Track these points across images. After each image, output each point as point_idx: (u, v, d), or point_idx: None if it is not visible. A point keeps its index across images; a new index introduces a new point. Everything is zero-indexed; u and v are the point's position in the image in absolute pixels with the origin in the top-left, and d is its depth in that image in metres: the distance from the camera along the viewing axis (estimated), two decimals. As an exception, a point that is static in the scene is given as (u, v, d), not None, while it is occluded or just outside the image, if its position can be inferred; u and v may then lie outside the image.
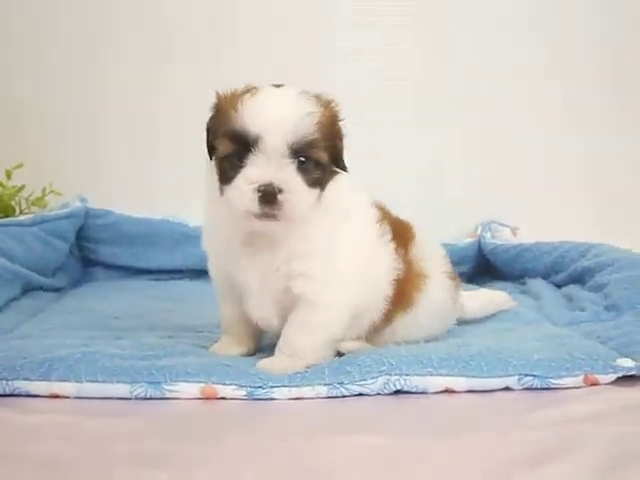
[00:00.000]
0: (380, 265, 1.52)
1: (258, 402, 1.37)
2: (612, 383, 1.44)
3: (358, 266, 1.47)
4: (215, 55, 2.56)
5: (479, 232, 2.53)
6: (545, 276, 2.21)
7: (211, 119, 1.41)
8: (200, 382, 1.38)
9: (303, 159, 1.32)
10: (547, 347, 1.49)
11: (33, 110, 2.55)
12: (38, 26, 2.54)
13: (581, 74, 2.63)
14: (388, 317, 1.56)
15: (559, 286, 2.14)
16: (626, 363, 1.44)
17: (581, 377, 1.42)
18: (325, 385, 1.39)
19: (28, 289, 2.06)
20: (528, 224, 2.52)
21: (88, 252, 2.46)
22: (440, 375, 1.40)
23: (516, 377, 1.41)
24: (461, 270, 2.25)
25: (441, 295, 1.62)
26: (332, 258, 1.44)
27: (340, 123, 1.40)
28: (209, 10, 2.56)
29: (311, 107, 1.34)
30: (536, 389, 1.42)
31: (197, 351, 1.53)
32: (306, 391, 1.38)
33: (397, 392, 1.41)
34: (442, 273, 1.64)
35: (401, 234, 1.58)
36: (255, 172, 1.30)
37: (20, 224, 2.15)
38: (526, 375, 1.41)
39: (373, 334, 1.58)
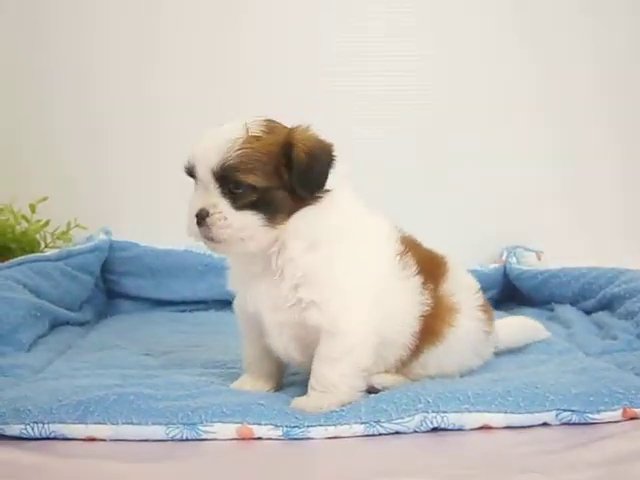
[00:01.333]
0: (402, 298, 1.52)
1: (294, 442, 1.36)
2: (651, 417, 1.42)
3: (369, 287, 1.47)
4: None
5: (504, 257, 2.52)
6: (573, 302, 2.20)
7: None
8: (236, 422, 1.37)
9: (237, 184, 1.38)
10: (584, 381, 1.47)
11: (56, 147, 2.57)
12: (76, 55, 2.57)
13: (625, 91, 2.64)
14: (417, 351, 1.55)
15: (587, 312, 2.13)
16: (665, 397, 1.43)
17: (619, 411, 1.41)
18: (362, 424, 1.38)
19: (55, 324, 2.06)
20: (552, 249, 2.51)
21: (112, 284, 2.46)
22: (477, 412, 1.39)
23: (554, 412, 1.40)
24: (487, 296, 2.23)
25: (473, 329, 1.61)
26: (339, 282, 1.45)
27: (302, 150, 1.40)
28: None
29: (237, 135, 1.39)
30: (574, 424, 1.40)
31: (230, 390, 1.52)
32: (343, 430, 1.37)
33: (434, 429, 1.39)
34: (475, 307, 1.63)
35: (431, 268, 1.58)
36: (193, 199, 1.42)
37: (46, 259, 2.15)
38: (564, 410, 1.39)
39: (403, 368, 1.57)
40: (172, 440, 1.36)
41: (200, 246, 2.37)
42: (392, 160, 2.56)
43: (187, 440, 1.36)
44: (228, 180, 1.39)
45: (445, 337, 1.57)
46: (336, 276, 1.44)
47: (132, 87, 2.59)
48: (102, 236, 2.38)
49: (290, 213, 1.42)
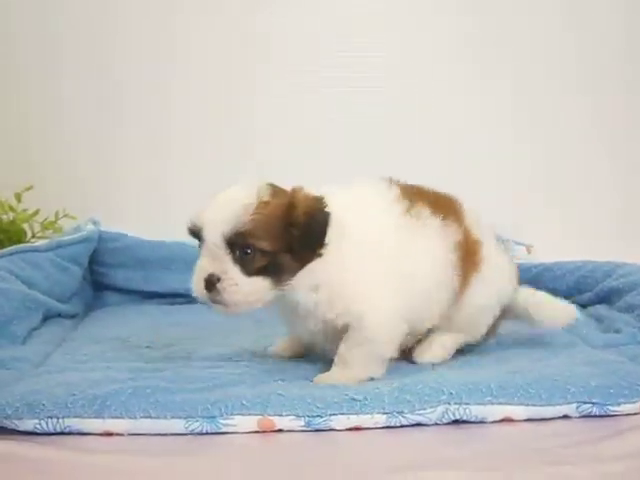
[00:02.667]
0: (427, 244, 1.56)
1: (316, 434, 1.35)
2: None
3: (388, 274, 1.51)
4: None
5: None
6: (568, 296, 2.17)
7: None
8: (257, 414, 1.35)
9: (246, 249, 1.41)
10: (601, 373, 1.47)
11: (42, 132, 2.50)
12: (45, 45, 2.50)
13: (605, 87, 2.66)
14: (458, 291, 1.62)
15: (583, 306, 2.14)
16: (682, 389, 1.44)
17: (639, 404, 1.41)
18: (384, 414, 1.36)
19: (48, 317, 2.01)
20: (541, 242, 2.52)
21: (100, 276, 2.41)
22: (500, 404, 1.38)
23: (574, 405, 1.40)
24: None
25: (501, 259, 1.71)
26: (356, 288, 1.49)
27: (303, 213, 1.44)
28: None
29: (249, 200, 1.42)
30: (594, 416, 1.40)
31: (244, 380, 1.49)
32: (365, 419, 1.36)
33: (455, 421, 1.38)
34: (494, 239, 1.74)
35: (447, 206, 1.64)
36: (201, 263, 1.45)
37: (36, 250, 2.10)
38: (584, 402, 1.40)
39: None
40: (191, 434, 1.33)
41: (191, 238, 2.40)
42: (384, 156, 2.54)
43: (207, 434, 1.33)
44: (239, 246, 1.41)
45: (480, 268, 1.63)
46: (351, 285, 1.49)
47: (98, 73, 2.54)
48: (90, 226, 2.33)
49: (295, 273, 1.46)
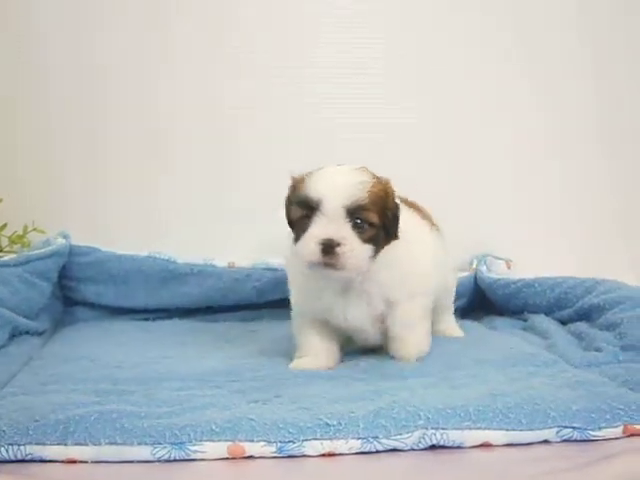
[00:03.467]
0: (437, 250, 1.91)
1: (288, 461, 1.29)
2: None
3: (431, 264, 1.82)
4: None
5: (474, 266, 2.49)
6: (548, 312, 2.17)
7: (288, 195, 1.69)
8: (227, 440, 1.29)
9: (358, 220, 1.59)
10: (583, 396, 1.43)
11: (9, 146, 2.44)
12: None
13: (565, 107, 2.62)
14: None
15: (563, 322, 2.10)
16: (664, 412, 1.40)
17: (620, 428, 1.37)
18: (359, 439, 1.32)
19: (15, 334, 1.95)
20: (522, 257, 2.49)
21: (69, 291, 2.35)
22: (479, 429, 1.34)
23: (555, 429, 1.36)
24: (456, 305, 2.21)
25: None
26: (428, 272, 1.80)
27: (393, 199, 1.67)
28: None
29: (364, 178, 1.62)
30: (575, 441, 1.36)
31: (215, 403, 1.44)
32: (339, 445, 1.31)
33: (432, 447, 1.34)
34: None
35: (427, 216, 1.98)
36: (318, 230, 1.58)
37: (4, 265, 2.04)
38: (565, 427, 1.36)
39: None
40: (159, 461, 1.28)
41: (163, 251, 2.35)
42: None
43: (175, 461, 1.28)
44: (356, 216, 1.59)
45: None
46: (420, 265, 1.77)
47: (82, 86, 2.47)
48: (60, 240, 2.27)
49: (382, 249, 1.67)
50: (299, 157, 2.31)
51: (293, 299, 1.82)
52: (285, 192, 1.71)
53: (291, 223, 1.68)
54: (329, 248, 1.56)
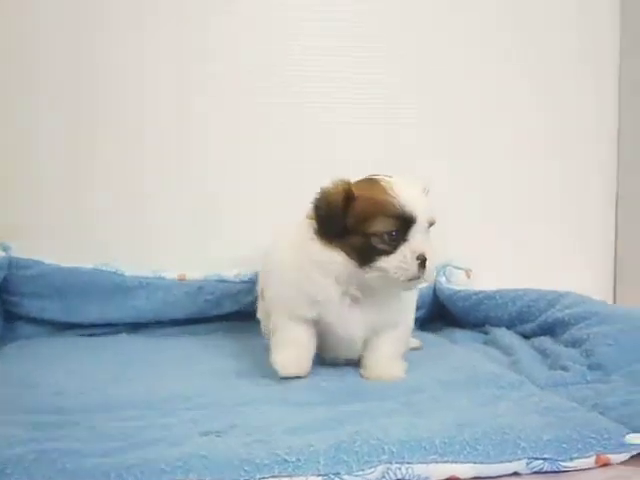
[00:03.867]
0: None
1: (244, 501, 1.21)
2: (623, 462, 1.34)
3: None
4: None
5: (434, 276, 2.42)
6: (509, 325, 2.11)
7: (340, 205, 1.62)
8: (177, 481, 1.20)
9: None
10: (553, 423, 1.36)
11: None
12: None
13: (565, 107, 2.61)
14: None
15: (526, 336, 2.05)
16: (637, 440, 1.34)
17: (593, 458, 1.31)
18: (319, 476, 1.24)
19: (-52, 353, 1.83)
20: (481, 267, 2.43)
21: (11, 306, 2.22)
22: (445, 462, 1.27)
23: (525, 461, 1.29)
24: (415, 316, 2.13)
25: None
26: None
27: None
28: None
29: (425, 190, 1.69)
30: (545, 472, 1.30)
31: (165, 436, 1.34)
32: (298, 482, 1.23)
33: (396, 481, 1.27)
34: None
35: None
36: (415, 244, 1.61)
37: (-61, 281, 1.92)
38: (536, 459, 1.29)
39: None
40: (103, 505, 1.19)
41: (109, 264, 2.24)
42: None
43: (121, 504, 1.19)
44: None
45: None
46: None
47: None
48: (0, 253, 2.15)
49: None
50: (299, 157, 2.40)
51: (280, 299, 1.76)
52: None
53: (363, 235, 1.62)
54: (424, 262, 1.60)
